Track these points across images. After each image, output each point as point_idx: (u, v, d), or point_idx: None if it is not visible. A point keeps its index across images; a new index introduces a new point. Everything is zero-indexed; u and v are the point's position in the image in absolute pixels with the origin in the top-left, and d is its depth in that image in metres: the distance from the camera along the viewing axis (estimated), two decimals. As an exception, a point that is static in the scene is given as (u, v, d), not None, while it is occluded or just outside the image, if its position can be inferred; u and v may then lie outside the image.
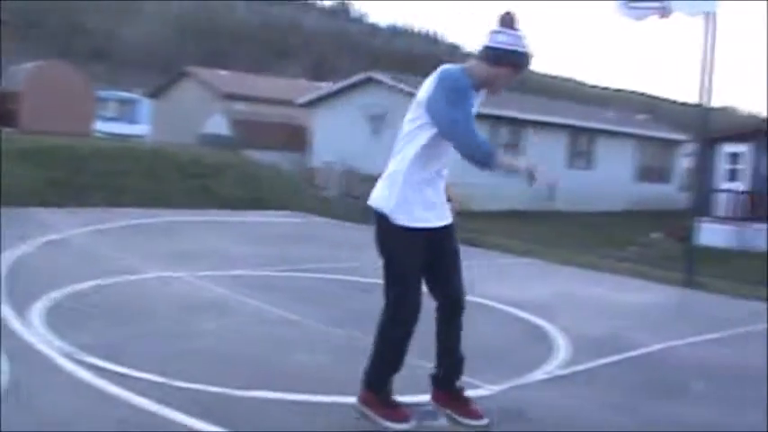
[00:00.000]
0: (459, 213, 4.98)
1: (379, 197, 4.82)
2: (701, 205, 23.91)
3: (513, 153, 29.72)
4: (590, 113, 37.21)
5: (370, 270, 10.53)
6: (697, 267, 13.72)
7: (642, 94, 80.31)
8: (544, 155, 30.24)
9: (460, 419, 4.89)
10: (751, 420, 5.91)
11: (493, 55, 4.61)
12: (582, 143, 32.82)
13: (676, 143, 37.04)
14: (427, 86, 4.69)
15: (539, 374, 6.58)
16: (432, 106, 4.59)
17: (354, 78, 31.89)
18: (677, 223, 20.32)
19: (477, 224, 21.12)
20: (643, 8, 13.27)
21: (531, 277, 12.43)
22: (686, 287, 12.82)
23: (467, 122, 4.52)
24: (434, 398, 5.00)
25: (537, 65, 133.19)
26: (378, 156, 28.55)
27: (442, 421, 4.92)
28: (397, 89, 29.58)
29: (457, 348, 4.92)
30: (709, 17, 13.44)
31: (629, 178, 35.14)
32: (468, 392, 5.34)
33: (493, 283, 11.20)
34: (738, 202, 26.12)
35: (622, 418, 5.72)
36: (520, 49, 4.60)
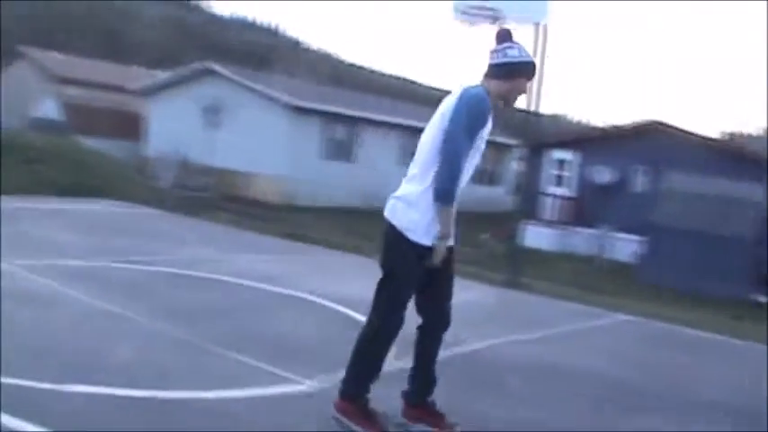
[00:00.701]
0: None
1: (398, 211, 4.85)
2: (528, 208, 24.83)
3: (346, 150, 30.05)
4: (424, 114, 37.77)
5: (194, 263, 10.51)
6: (521, 269, 14.22)
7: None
8: (377, 153, 30.71)
9: (436, 431, 5.02)
10: (557, 416, 6.21)
11: (508, 70, 4.77)
12: (415, 143, 33.18)
13: (508, 147, 38.14)
14: (450, 104, 4.78)
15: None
16: (451, 127, 4.70)
17: (192, 68, 31.47)
18: (505, 225, 20.99)
19: (303, 219, 21.26)
20: (476, 14, 13.65)
21: (354, 273, 12.56)
22: (510, 288, 13.27)
23: (464, 155, 4.70)
24: (406, 414, 5.11)
25: (374, 64, 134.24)
26: (213, 148, 28.59)
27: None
28: (235, 81, 29.39)
29: (434, 365, 5.09)
30: (540, 26, 13.95)
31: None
32: (286, 388, 5.45)
33: (316, 278, 11.31)
34: (564, 206, 27.20)
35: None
36: (529, 59, 4.83)
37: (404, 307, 4.87)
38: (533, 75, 4.96)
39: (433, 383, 5.13)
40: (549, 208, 27.49)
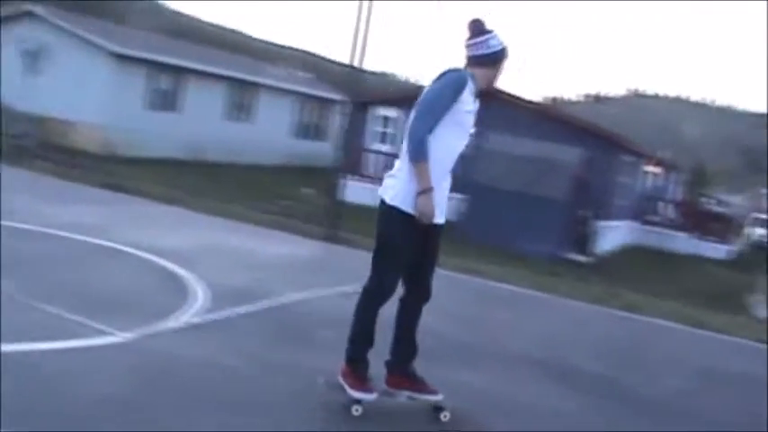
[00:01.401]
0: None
1: (386, 186, 5.10)
2: (351, 164, 24.83)
3: (171, 101, 29.21)
4: (253, 67, 37.31)
5: (8, 213, 9.90)
6: (342, 223, 14.17)
7: (308, 53, 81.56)
8: (203, 105, 30.01)
9: (419, 396, 5.29)
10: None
11: (494, 59, 5.16)
12: (242, 96, 32.76)
13: (335, 103, 38.08)
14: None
15: (172, 323, 6.45)
16: (423, 97, 5.05)
17: (11, 10, 29.72)
18: (328, 180, 20.90)
19: (123, 170, 20.58)
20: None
21: (173, 225, 12.24)
22: (329, 242, 13.20)
23: (430, 118, 4.94)
24: (389, 382, 5.32)
25: (204, 14, 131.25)
26: (34, 94, 27.14)
27: (402, 399, 5.29)
28: (56, 26, 28.03)
29: (414, 335, 5.36)
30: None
31: (287, 134, 35.68)
32: (99, 341, 5.20)
33: (132, 229, 10.96)
34: (388, 163, 27.34)
35: (252, 367, 5.73)
36: (505, 45, 5.19)
37: (399, 273, 5.15)
38: (507, 59, 5.26)
39: (414, 353, 5.38)
40: (372, 164, 27.58)
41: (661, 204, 34.60)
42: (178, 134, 28.42)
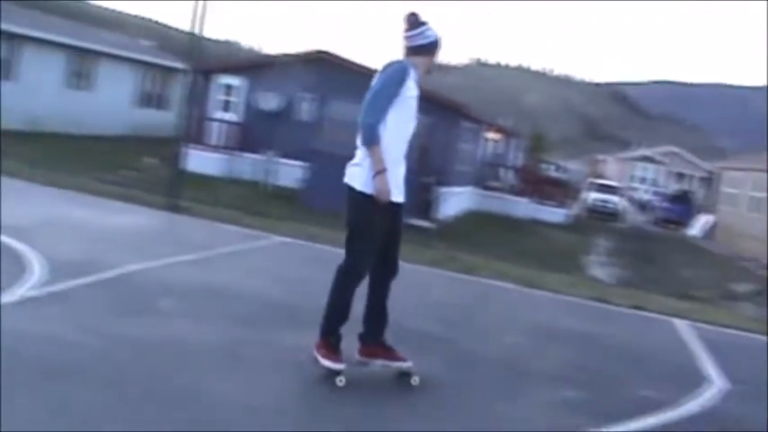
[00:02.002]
0: None
1: (351, 174, 5.62)
2: (194, 133, 24.59)
3: (6, 69, 28.10)
4: (92, 35, 36.28)
5: None
6: (185, 193, 14.10)
7: (150, 21, 79.71)
8: (40, 73, 29.03)
9: (392, 363, 5.79)
10: (204, 334, 6.26)
11: (430, 48, 5.72)
12: (81, 64, 31.78)
13: (177, 71, 37.46)
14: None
15: (7, 296, 6.37)
16: (371, 88, 5.52)
17: None
18: (171, 150, 20.65)
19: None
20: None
21: (8, 198, 11.90)
22: (170, 211, 13.13)
23: (379, 106, 5.46)
24: (363, 353, 5.77)
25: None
26: None
27: (376, 367, 5.75)
28: None
29: (386, 308, 5.85)
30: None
31: (128, 103, 34.92)
32: None
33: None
34: (230, 132, 27.20)
35: (91, 338, 5.73)
36: (439, 36, 5.74)
37: (373, 254, 5.59)
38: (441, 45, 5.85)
39: (384, 324, 5.85)
40: (215, 133, 27.36)
41: (502, 170, 35.64)
42: (14, 104, 27.40)
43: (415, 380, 5.76)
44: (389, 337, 5.88)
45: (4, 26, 27.47)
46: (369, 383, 5.68)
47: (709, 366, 8.02)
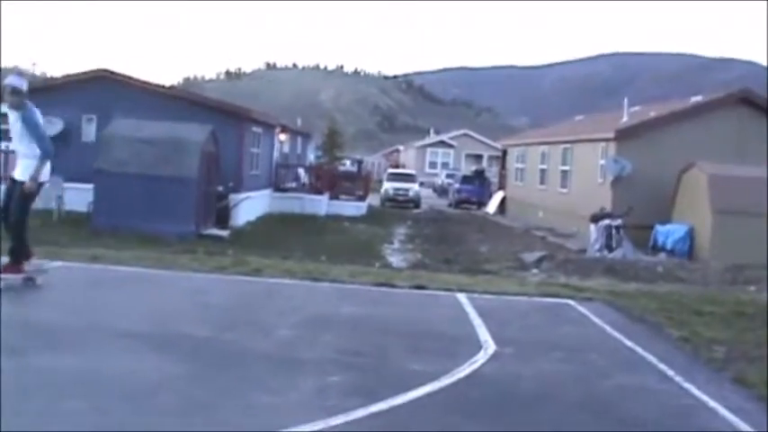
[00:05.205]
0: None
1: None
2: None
3: None
4: None
5: None
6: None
7: None
8: None
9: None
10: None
11: None
12: None
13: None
14: None
15: None
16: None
17: None
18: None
19: None
20: None
21: None
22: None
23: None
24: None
25: None
26: None
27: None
28: None
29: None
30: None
31: None
32: None
33: None
34: (10, 162, 26.13)
35: None
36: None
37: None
38: None
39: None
40: None
41: (297, 170, 35.81)
42: None
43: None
44: (158, 345, 5.88)
45: None
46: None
47: (481, 332, 8.44)
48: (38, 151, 9.38)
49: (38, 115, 9.54)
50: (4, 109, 9.62)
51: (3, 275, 9.11)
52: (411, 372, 6.81)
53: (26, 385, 5.82)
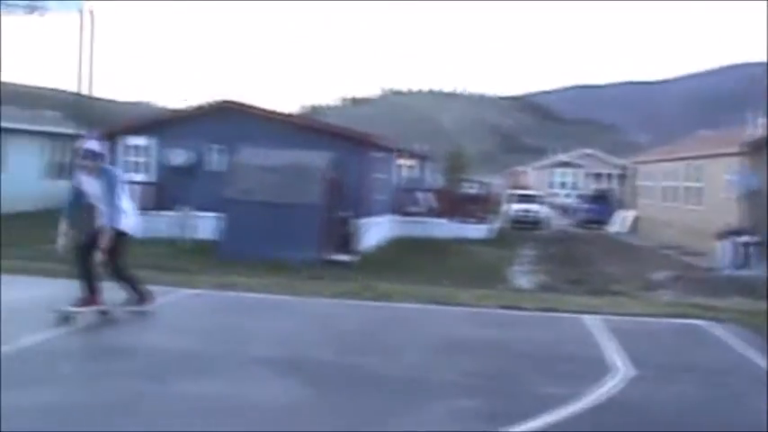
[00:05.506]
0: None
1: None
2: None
3: None
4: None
5: None
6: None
7: (51, 89, 78.21)
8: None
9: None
10: (99, 397, 6.26)
11: None
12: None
13: (75, 137, 36.99)
14: None
15: None
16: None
17: None
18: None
19: None
20: (14, 5, 13.26)
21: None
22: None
23: None
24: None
25: None
26: None
27: None
28: None
29: None
30: (85, 13, 13.78)
31: (37, 177, 34.44)
32: None
33: None
34: (144, 192, 26.91)
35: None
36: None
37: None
38: None
39: None
40: (130, 195, 27.05)
41: (419, 194, 35.88)
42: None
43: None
44: (290, 366, 5.92)
45: None
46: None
47: (612, 354, 8.26)
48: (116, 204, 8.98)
49: (118, 178, 9.27)
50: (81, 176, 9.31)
51: (77, 308, 8.92)
52: (544, 395, 6.71)
53: (168, 410, 5.98)
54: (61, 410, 5.90)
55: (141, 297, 9.57)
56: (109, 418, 5.74)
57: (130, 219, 9.27)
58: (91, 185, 9.12)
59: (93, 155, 9.07)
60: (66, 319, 8.76)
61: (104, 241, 8.83)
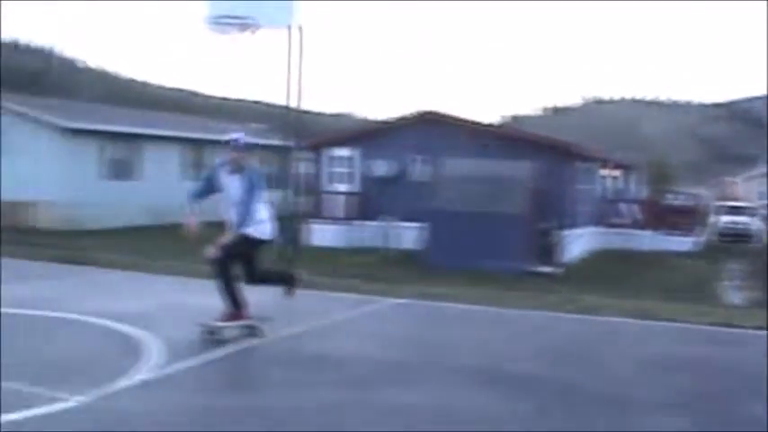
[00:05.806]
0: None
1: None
2: (312, 208, 25.12)
3: (128, 168, 29.54)
4: (203, 125, 37.50)
5: None
6: (305, 266, 14.33)
7: (256, 102, 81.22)
8: (160, 169, 30.27)
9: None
10: (314, 402, 6.35)
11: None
12: (196, 155, 32.81)
13: (288, 149, 38.15)
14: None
15: (124, 381, 6.64)
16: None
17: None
18: (291, 227, 21.08)
19: (86, 241, 20.72)
20: (226, 23, 13.77)
21: (125, 290, 12.47)
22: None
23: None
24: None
25: (146, 76, 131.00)
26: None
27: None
28: (5, 108, 28.38)
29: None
30: (293, 28, 14.19)
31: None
32: (51, 408, 5.71)
33: (89, 297, 11.27)
34: (348, 202, 27.56)
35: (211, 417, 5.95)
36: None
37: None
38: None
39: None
40: (332, 205, 27.77)
41: (623, 205, 34.97)
42: (138, 200, 28.71)
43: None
44: (495, 377, 5.85)
45: (120, 128, 28.91)
46: None
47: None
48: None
49: (260, 181, 8.76)
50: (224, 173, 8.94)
51: (222, 323, 8.61)
52: (759, 416, 6.34)
53: (372, 418, 6.02)
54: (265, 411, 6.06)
55: (290, 283, 9.44)
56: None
57: (266, 225, 8.88)
58: (231, 185, 8.79)
59: (240, 146, 8.75)
60: (211, 333, 8.59)
61: (225, 240, 8.61)
